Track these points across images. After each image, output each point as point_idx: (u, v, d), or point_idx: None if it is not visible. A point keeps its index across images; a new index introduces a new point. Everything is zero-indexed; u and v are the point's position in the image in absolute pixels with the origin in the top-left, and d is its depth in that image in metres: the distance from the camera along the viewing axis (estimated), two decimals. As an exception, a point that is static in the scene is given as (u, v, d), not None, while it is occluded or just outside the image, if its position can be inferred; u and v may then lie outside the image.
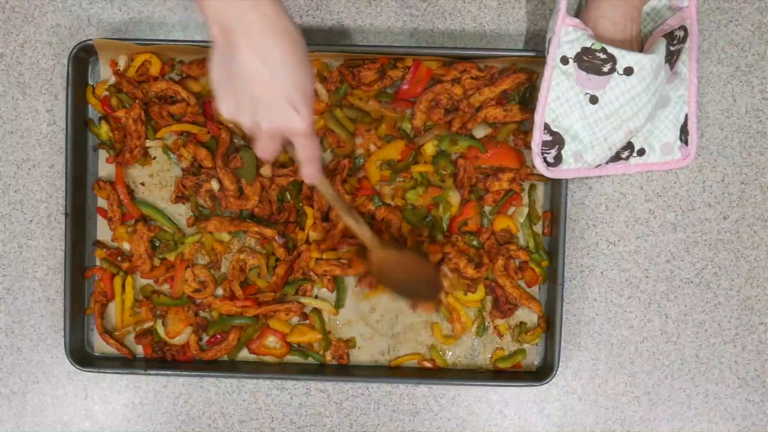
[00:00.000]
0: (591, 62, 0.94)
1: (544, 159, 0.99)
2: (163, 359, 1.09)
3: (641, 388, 1.10)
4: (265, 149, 0.84)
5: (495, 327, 1.09)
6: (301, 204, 1.07)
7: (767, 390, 1.10)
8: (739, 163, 1.09)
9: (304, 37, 0.80)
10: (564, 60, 0.95)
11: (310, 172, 0.88)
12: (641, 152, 1.02)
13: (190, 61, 1.06)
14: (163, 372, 1.07)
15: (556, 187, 1.05)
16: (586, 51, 0.94)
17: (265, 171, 1.05)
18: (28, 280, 1.10)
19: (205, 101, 1.07)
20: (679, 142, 1.03)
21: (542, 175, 1.05)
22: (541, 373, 1.07)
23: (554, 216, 1.06)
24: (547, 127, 0.98)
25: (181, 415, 1.11)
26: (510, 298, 1.08)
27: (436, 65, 1.06)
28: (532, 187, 1.08)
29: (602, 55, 0.93)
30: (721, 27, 1.08)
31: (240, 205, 1.06)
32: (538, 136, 0.98)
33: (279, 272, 1.07)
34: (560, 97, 0.97)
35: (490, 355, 1.10)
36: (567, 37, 0.95)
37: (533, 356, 1.09)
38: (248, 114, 0.80)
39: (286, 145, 0.85)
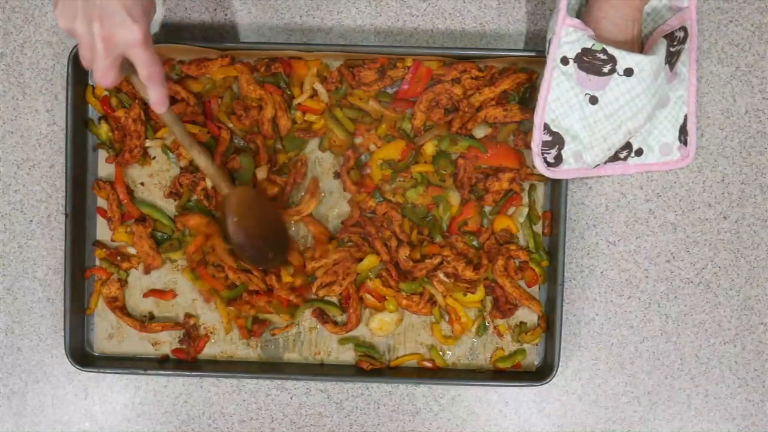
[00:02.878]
0: (591, 63, 0.94)
1: (544, 159, 0.99)
2: (163, 359, 1.09)
3: (641, 388, 1.10)
4: (105, 73, 0.83)
5: (495, 327, 1.09)
6: None
7: (767, 390, 1.10)
8: (739, 163, 1.09)
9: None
10: (564, 60, 0.95)
11: (156, 95, 0.86)
12: (639, 152, 1.02)
13: (190, 61, 1.06)
14: (163, 372, 1.07)
15: (556, 187, 1.05)
16: (586, 51, 0.94)
17: (261, 173, 1.05)
18: (28, 280, 1.10)
19: (204, 101, 1.07)
20: (678, 143, 1.03)
21: (542, 175, 1.05)
22: (541, 373, 1.07)
23: (554, 216, 1.06)
24: (547, 128, 0.98)
25: (181, 415, 1.11)
26: (510, 298, 1.08)
27: (436, 65, 1.06)
28: (532, 187, 1.08)
29: (602, 56, 0.93)
30: (721, 27, 1.08)
31: None
32: (538, 137, 0.98)
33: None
34: (560, 97, 0.97)
35: (490, 355, 1.10)
36: (567, 37, 0.95)
37: (533, 356, 1.09)
38: (82, 21, 0.80)
39: (128, 73, 0.85)
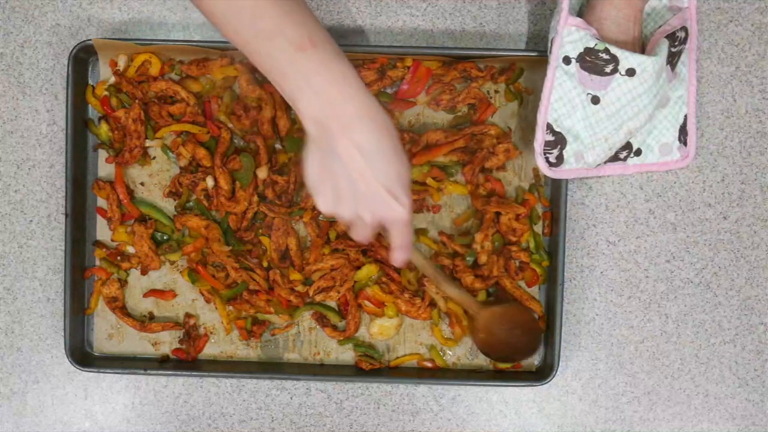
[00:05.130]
0: (593, 62, 0.94)
1: (546, 159, 0.99)
2: (163, 359, 1.09)
3: (641, 388, 1.10)
4: (363, 235, 0.86)
5: None
6: (260, 232, 1.07)
7: (767, 390, 1.10)
8: (739, 163, 1.09)
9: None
10: (566, 60, 0.95)
11: (400, 259, 0.89)
12: (638, 152, 1.02)
13: (190, 61, 1.06)
14: (163, 372, 1.07)
15: (556, 187, 1.05)
16: (588, 51, 0.94)
17: (261, 173, 1.05)
18: (28, 280, 1.10)
19: (204, 101, 1.07)
20: (678, 143, 1.03)
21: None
22: (541, 373, 1.07)
23: (554, 216, 1.06)
24: (549, 127, 0.98)
25: (181, 415, 1.11)
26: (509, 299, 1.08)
27: (436, 65, 1.06)
28: (532, 187, 1.08)
29: (605, 56, 0.93)
30: (721, 27, 1.08)
31: (229, 207, 1.06)
32: (540, 136, 0.98)
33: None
34: (563, 97, 0.97)
35: (490, 356, 1.10)
36: (570, 36, 0.95)
37: (533, 356, 1.09)
38: (348, 207, 0.81)
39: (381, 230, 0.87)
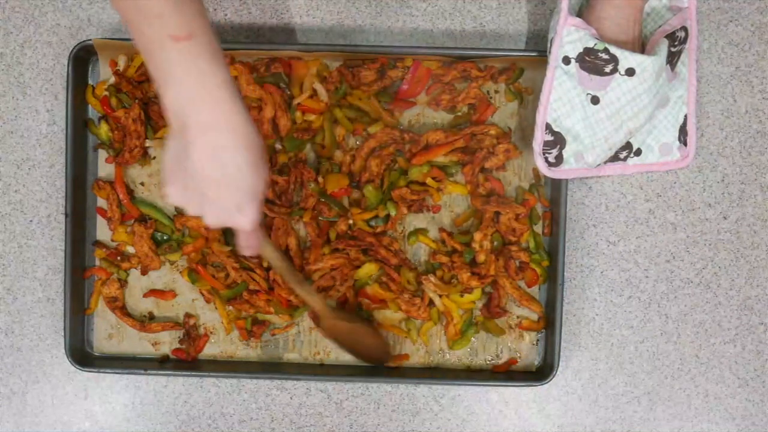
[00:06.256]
0: (593, 62, 0.94)
1: (546, 159, 0.99)
2: (163, 359, 1.09)
3: (641, 388, 1.10)
4: (209, 228, 0.89)
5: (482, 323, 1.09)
6: None
7: (767, 390, 1.10)
8: (739, 163, 1.09)
9: (259, 139, 0.80)
10: (566, 60, 0.95)
11: (247, 253, 0.92)
12: (638, 152, 1.02)
13: (190, 61, 1.06)
14: (163, 372, 1.07)
15: (556, 187, 1.05)
16: (588, 51, 0.94)
17: None
18: (28, 280, 1.10)
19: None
20: (678, 143, 1.03)
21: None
22: (541, 373, 1.07)
23: (554, 216, 1.06)
24: (548, 127, 0.98)
25: (181, 415, 1.11)
26: (503, 304, 1.07)
27: (436, 65, 1.06)
28: (532, 186, 1.08)
29: (604, 56, 0.93)
30: (721, 27, 1.08)
31: None
32: (540, 136, 0.98)
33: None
34: (562, 97, 0.96)
35: (490, 356, 1.09)
36: (569, 36, 0.95)
37: (533, 356, 1.09)
38: (194, 207, 0.82)
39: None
